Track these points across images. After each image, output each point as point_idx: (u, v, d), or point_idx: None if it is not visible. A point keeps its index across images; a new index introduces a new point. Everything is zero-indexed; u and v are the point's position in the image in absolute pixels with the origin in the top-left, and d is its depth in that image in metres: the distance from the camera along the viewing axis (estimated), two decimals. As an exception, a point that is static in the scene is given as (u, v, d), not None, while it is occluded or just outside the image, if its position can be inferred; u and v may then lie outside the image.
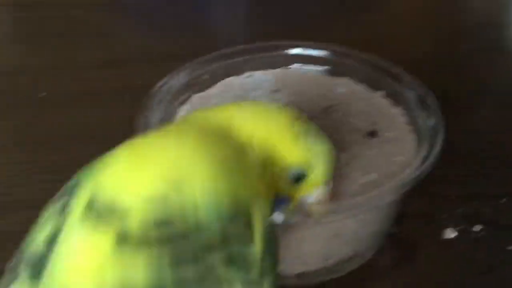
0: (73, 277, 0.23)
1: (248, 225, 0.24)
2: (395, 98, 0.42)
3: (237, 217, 0.24)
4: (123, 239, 0.22)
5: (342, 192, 0.34)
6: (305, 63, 0.45)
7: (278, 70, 0.45)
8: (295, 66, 0.45)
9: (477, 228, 0.41)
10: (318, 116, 0.41)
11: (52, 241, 0.24)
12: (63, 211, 0.25)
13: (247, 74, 0.45)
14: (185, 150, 0.26)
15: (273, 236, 0.26)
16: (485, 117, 0.51)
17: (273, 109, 0.30)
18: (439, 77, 0.55)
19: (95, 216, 0.23)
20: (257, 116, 0.29)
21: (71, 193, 0.25)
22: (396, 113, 0.41)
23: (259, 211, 0.25)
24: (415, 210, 0.42)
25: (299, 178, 0.29)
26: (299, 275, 0.37)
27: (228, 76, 0.45)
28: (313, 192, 0.31)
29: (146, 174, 0.24)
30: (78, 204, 0.24)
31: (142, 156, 0.26)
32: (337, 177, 0.35)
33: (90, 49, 0.62)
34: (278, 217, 0.31)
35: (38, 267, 0.24)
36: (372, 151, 0.38)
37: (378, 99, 0.43)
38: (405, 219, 0.41)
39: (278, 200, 0.31)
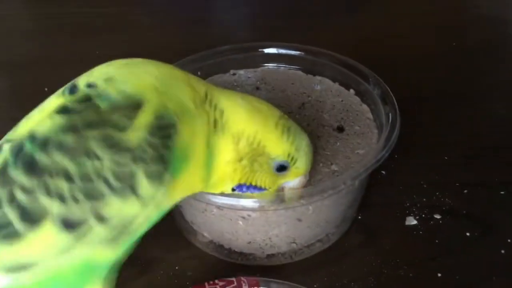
0: (26, 124, 0.30)
1: (134, 115, 0.29)
2: (364, 95, 0.45)
3: (128, 106, 0.29)
4: (65, 104, 0.30)
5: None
6: (284, 62, 0.49)
7: (259, 68, 0.49)
8: (275, 64, 0.49)
9: (438, 216, 0.44)
10: (294, 111, 0.45)
11: None
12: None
13: (231, 72, 0.49)
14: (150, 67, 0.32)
15: (166, 137, 0.30)
16: (449, 114, 0.54)
17: (263, 107, 0.35)
18: (416, 77, 0.59)
19: (65, 89, 0.31)
20: (249, 113, 0.34)
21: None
22: (364, 109, 0.45)
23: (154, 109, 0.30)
24: (380, 199, 0.46)
25: (281, 168, 0.35)
26: (269, 257, 0.41)
27: (215, 74, 0.49)
28: (293, 180, 0.36)
29: (112, 69, 0.32)
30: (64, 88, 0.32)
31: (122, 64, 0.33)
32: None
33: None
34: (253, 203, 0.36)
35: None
36: (337, 144, 0.42)
37: (349, 96, 0.46)
38: (371, 207, 0.45)
39: (255, 188, 0.35)
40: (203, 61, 0.48)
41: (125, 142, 0.28)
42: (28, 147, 0.28)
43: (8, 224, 0.27)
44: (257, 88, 0.48)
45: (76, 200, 0.28)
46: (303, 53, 0.48)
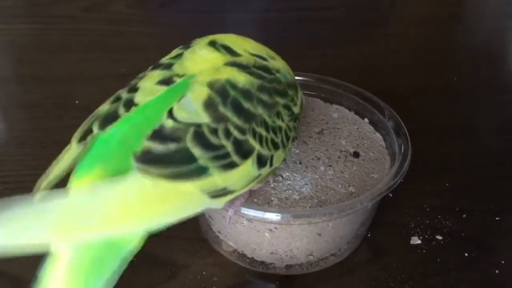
0: (193, 67, 0.37)
1: (297, 96, 0.40)
2: (377, 125, 0.50)
3: (294, 87, 0.39)
4: (231, 63, 0.37)
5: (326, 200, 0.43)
6: (305, 90, 0.53)
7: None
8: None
9: (440, 237, 0.49)
10: (313, 136, 0.49)
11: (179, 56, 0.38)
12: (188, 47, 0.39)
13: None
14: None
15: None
16: (451, 146, 0.59)
17: None
18: (420, 109, 0.64)
19: (214, 46, 0.38)
20: None
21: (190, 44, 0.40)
22: (377, 137, 0.49)
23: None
24: (389, 220, 0.50)
25: None
26: (287, 267, 0.45)
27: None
28: None
29: (253, 45, 0.40)
30: (201, 42, 0.39)
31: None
32: (323, 188, 0.43)
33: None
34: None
35: (171, 64, 0.38)
36: (354, 168, 0.46)
37: (364, 125, 0.51)
38: (380, 226, 0.49)
39: None
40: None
41: (294, 114, 0.39)
42: (232, 92, 0.35)
43: (227, 155, 0.34)
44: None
45: (267, 145, 0.36)
46: (323, 82, 0.53)
